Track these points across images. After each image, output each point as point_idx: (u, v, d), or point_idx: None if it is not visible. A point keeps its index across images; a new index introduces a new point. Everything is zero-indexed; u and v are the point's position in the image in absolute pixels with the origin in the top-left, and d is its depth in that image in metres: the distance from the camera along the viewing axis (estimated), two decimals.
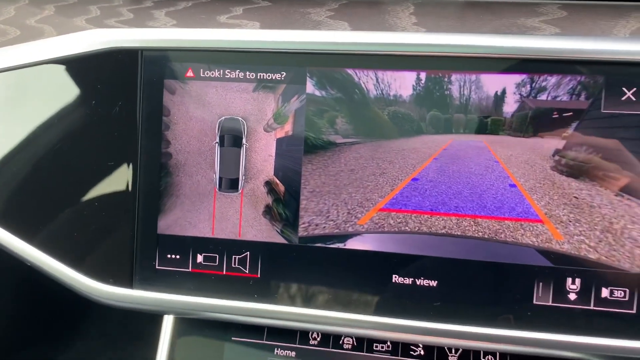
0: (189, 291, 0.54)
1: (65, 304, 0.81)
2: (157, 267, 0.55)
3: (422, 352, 0.58)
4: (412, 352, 0.58)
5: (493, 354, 0.57)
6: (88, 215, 0.54)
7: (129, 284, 0.55)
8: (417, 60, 0.48)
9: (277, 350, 0.60)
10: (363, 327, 0.50)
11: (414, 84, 0.49)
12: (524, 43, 0.46)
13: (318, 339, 0.59)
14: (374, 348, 0.58)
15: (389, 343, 0.59)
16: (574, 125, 0.47)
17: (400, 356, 0.58)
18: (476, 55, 0.47)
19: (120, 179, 0.54)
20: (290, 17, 0.54)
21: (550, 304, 0.48)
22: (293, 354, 0.60)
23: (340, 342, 0.59)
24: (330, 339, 0.59)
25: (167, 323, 0.61)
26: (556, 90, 0.47)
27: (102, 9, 0.61)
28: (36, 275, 0.68)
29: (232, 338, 0.61)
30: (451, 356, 0.57)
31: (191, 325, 0.61)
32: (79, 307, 0.83)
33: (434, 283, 0.49)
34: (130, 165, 0.53)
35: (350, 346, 0.59)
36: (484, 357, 0.57)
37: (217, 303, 0.53)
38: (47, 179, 0.55)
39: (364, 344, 0.59)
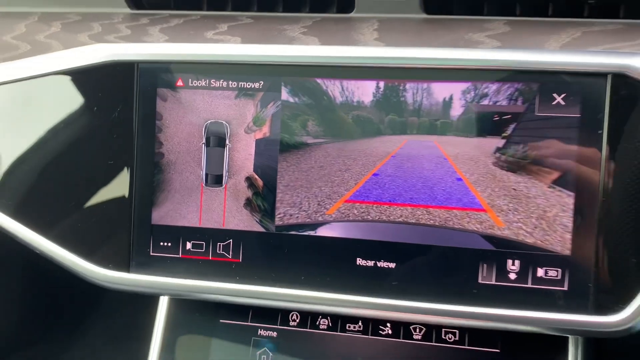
0: (180, 274, 0.57)
1: (67, 297, 0.86)
2: (151, 253, 0.58)
3: (389, 332, 0.62)
4: (380, 332, 0.62)
5: (453, 332, 0.62)
6: (90, 208, 0.59)
7: (126, 269, 0.58)
8: (377, 71, 0.53)
9: (261, 331, 0.64)
10: (330, 304, 0.55)
11: (374, 92, 0.53)
12: (468, 55, 0.51)
13: (297, 321, 0.64)
14: (347, 328, 0.63)
15: (360, 323, 0.63)
16: (512, 126, 0.51)
17: (370, 335, 0.62)
18: (427, 66, 0.52)
19: (119, 176, 0.58)
20: (269, 33, 0.59)
21: (493, 282, 0.52)
22: (275, 334, 0.64)
23: (317, 323, 0.63)
24: (308, 321, 0.64)
25: (162, 307, 0.66)
26: (496, 96, 0.51)
27: (103, 26, 0.65)
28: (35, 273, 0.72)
29: (221, 320, 0.65)
30: (415, 335, 0.62)
31: (184, 309, 0.66)
32: (78, 301, 0.87)
33: (392, 265, 0.54)
34: (128, 164, 0.58)
35: (325, 327, 0.63)
36: (445, 335, 0.62)
37: (204, 285, 0.57)
38: (56, 177, 0.60)
39: (337, 324, 0.63)
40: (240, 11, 0.65)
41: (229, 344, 0.64)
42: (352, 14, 0.61)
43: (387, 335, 0.62)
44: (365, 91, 0.54)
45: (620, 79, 0.49)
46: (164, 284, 0.58)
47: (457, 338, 0.61)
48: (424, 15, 0.60)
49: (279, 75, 0.55)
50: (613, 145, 0.49)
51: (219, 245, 0.57)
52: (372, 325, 0.62)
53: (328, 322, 0.63)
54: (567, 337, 0.59)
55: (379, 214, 0.54)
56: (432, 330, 0.61)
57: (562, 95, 0.50)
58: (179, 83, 0.57)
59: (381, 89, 0.53)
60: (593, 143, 0.50)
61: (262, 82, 0.56)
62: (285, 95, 0.55)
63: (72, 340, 0.87)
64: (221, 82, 0.56)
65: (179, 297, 0.62)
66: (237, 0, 0.65)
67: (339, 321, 0.63)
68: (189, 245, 0.58)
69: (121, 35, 0.63)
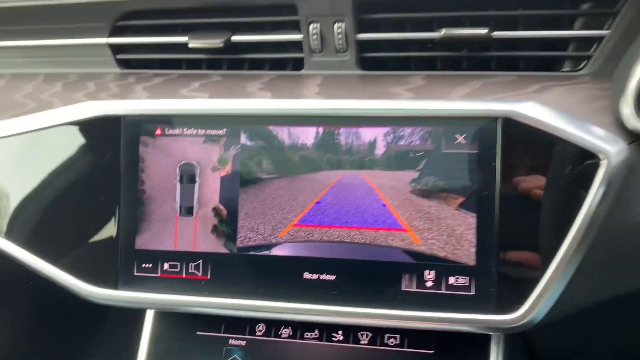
0: (159, 291, 0.64)
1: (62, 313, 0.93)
2: (135, 273, 0.65)
3: (341, 338, 0.71)
4: (333, 338, 0.71)
5: (394, 337, 0.70)
6: (84, 237, 0.67)
7: (115, 287, 0.65)
8: (316, 119, 0.62)
9: (231, 340, 0.73)
10: (283, 312, 0.62)
11: (315, 135, 0.62)
12: (387, 105, 0.60)
13: (263, 331, 0.72)
14: (305, 336, 0.71)
15: (316, 331, 0.71)
16: (423, 162, 0.59)
17: (325, 341, 0.71)
18: (355, 115, 0.61)
19: (108, 209, 0.65)
20: (232, 89, 0.68)
21: (414, 289, 0.60)
22: (243, 343, 0.72)
23: (279, 333, 0.72)
24: (272, 330, 0.72)
25: (148, 321, 0.74)
26: (411, 137, 0.60)
27: (96, 85, 0.73)
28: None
29: (197, 332, 0.73)
30: (362, 340, 0.70)
31: (166, 323, 0.74)
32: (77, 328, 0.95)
33: (332, 277, 0.61)
34: (115, 199, 0.65)
35: (287, 335, 0.72)
36: (387, 340, 0.70)
37: (179, 299, 0.64)
38: (56, 212, 0.68)
39: (297, 333, 0.71)
40: (213, 69, 0.74)
41: (205, 353, 0.73)
42: (302, 72, 0.70)
43: (339, 341, 0.71)
44: (307, 135, 0.62)
45: (508, 121, 0.58)
46: (146, 299, 0.65)
47: (397, 342, 0.70)
48: (360, 72, 0.70)
49: (238, 123, 0.63)
50: (505, 175, 0.58)
51: (191, 265, 0.64)
52: (327, 332, 0.71)
53: (289, 331, 0.72)
54: (490, 337, 0.69)
55: (321, 235, 0.62)
56: (377, 336, 0.70)
57: (463, 136, 0.59)
58: (158, 132, 0.65)
59: (320, 133, 0.62)
60: (489, 173, 0.58)
61: (225, 130, 0.63)
62: (244, 139, 0.63)
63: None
64: (192, 130, 0.64)
65: (159, 309, 0.71)
66: (211, 61, 0.75)
67: (299, 330, 0.72)
68: (166, 266, 0.65)
69: (111, 93, 0.71)
